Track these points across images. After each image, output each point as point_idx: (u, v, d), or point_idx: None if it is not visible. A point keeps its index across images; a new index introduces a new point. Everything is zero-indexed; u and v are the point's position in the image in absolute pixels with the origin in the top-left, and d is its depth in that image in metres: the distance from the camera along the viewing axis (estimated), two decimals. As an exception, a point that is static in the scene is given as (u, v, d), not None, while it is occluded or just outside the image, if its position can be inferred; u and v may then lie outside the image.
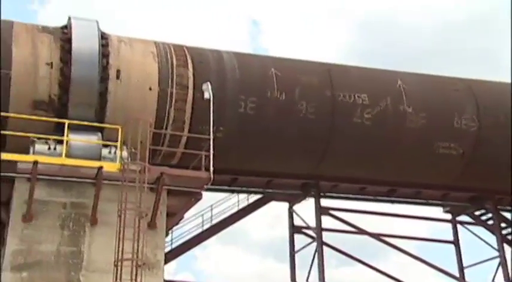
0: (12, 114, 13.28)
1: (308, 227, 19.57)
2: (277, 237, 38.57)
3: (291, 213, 20.05)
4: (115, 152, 13.17)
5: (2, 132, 13.01)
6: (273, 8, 55.15)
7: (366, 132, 16.74)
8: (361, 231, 19.65)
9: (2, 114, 13.13)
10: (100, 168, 12.54)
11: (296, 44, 51.30)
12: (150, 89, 14.91)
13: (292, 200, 19.73)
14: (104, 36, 14.83)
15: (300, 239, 19.92)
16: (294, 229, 19.98)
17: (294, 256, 19.80)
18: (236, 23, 56.02)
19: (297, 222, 19.95)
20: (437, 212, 21.40)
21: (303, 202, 19.51)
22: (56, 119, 13.55)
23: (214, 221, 19.13)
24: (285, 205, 20.19)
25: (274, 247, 41.65)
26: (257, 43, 58.86)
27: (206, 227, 19.02)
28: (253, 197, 19.47)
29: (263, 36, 64.21)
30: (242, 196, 19.52)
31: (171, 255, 17.25)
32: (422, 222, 22.35)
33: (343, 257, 19.58)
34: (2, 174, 12.12)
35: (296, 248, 19.90)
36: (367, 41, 51.02)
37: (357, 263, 19.74)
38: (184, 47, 16.10)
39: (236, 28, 54.94)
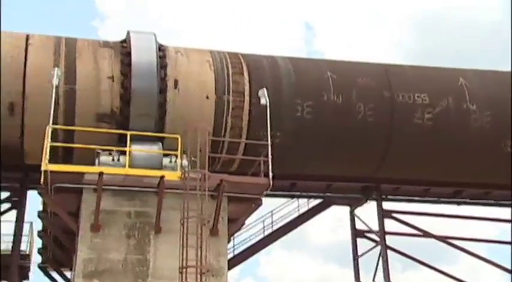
0: (78, 128, 13.82)
1: (371, 231, 19.21)
2: (339, 242, 38.16)
3: (352, 217, 19.74)
4: (175, 161, 13.41)
5: (70, 145, 13.56)
6: (326, 11, 54.88)
7: (427, 133, 16.28)
8: (426, 234, 19.10)
9: (69, 128, 13.71)
10: (162, 177, 12.80)
11: (351, 46, 50.76)
12: (207, 97, 15.12)
13: (353, 203, 19.44)
14: (161, 48, 15.18)
15: (362, 243, 19.58)
16: (356, 233, 19.65)
17: (357, 260, 19.47)
18: (289, 27, 56.03)
19: (359, 226, 19.63)
20: (507, 212, 20.45)
21: (365, 205, 19.17)
22: (118, 131, 13.97)
23: (276, 227, 19.14)
24: (346, 209, 19.93)
25: (337, 251, 41.17)
26: (312, 47, 58.67)
27: (267, 232, 19.03)
28: (313, 202, 19.33)
29: (317, 40, 63.92)
30: (302, 201, 19.44)
31: (234, 262, 17.37)
32: (492, 223, 21.41)
33: (409, 260, 19.08)
34: (70, 185, 12.62)
35: (359, 252, 19.56)
36: (420, 40, 49.83)
37: (424, 266, 19.18)
38: (240, 54, 16.23)
39: (290, 33, 54.94)
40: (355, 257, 19.52)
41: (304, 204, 19.39)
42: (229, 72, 15.54)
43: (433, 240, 19.34)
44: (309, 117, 15.74)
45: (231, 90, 15.31)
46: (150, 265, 12.61)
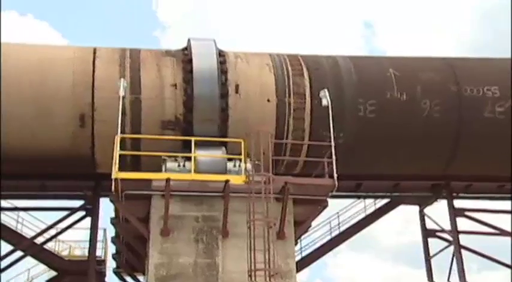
0: (145, 136, 14.21)
1: (443, 230, 18.59)
2: (409, 242, 37.17)
3: (422, 216, 19.18)
4: (239, 165, 13.51)
5: (137, 153, 13.97)
6: (385, 8, 53.79)
7: (499, 127, 15.58)
8: (503, 232, 18.24)
9: (137, 136, 14.13)
10: (227, 181, 12.93)
11: (413, 42, 49.47)
12: (269, 100, 15.16)
13: (423, 202, 18.89)
14: (221, 54, 15.38)
15: (434, 243, 18.99)
16: (427, 233, 19.08)
17: (429, 261, 18.88)
18: (348, 27, 55.35)
19: (430, 225, 19.04)
20: None
21: (435, 204, 18.58)
22: (183, 137, 14.24)
23: (342, 228, 18.90)
24: (414, 208, 19.39)
25: (407, 252, 40.17)
26: (372, 45, 57.71)
27: (334, 234, 18.83)
28: (381, 202, 18.94)
29: (377, 38, 62.79)
30: (369, 201, 19.10)
31: (302, 264, 17.30)
32: None
33: (484, 260, 18.31)
34: (139, 192, 12.98)
35: (431, 253, 18.96)
36: (486, 31, 47.82)
37: (502, 266, 18.33)
38: (299, 55, 16.18)
39: (349, 32, 54.28)
40: (427, 257, 18.94)
41: (371, 205, 19.05)
42: (289, 74, 15.52)
43: (509, 238, 18.44)
44: (372, 116, 15.45)
45: (291, 92, 15.28)
46: (219, 269, 12.75)
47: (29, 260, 18.65)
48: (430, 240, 19.06)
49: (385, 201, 18.86)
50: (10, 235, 17.72)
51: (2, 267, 17.11)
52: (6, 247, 17.58)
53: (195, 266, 12.72)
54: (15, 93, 14.09)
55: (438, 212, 18.75)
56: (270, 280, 11.63)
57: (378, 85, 15.72)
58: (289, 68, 15.62)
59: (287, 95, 15.23)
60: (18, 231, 18.34)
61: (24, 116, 14.12)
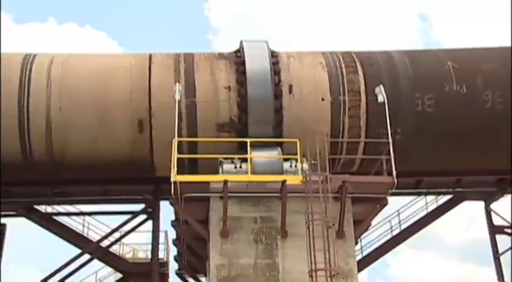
0: (201, 139, 14.41)
1: (511, 226, 17.84)
2: (475, 239, 35.88)
3: (488, 212, 18.46)
4: (295, 165, 13.45)
5: (195, 156, 14.18)
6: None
7: None
8: None
9: (193, 139, 14.35)
10: (284, 182, 12.91)
11: (472, 34, 47.75)
12: (323, 99, 15.03)
13: (488, 198, 18.19)
14: (273, 54, 15.39)
15: (503, 240, 18.21)
16: (495, 229, 18.34)
17: (499, 259, 18.12)
18: (403, 21, 54.10)
19: (497, 221, 18.30)
20: None
21: (501, 199, 17.85)
22: (239, 139, 14.34)
23: (403, 226, 18.45)
24: (479, 204, 18.70)
25: (472, 250, 38.78)
26: (428, 38, 56.08)
27: (395, 232, 18.42)
28: (443, 198, 18.37)
29: (434, 31, 61.00)
30: (430, 198, 18.56)
31: (362, 264, 17.01)
32: None
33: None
34: (197, 194, 13.17)
35: (500, 250, 18.21)
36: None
37: None
38: (352, 52, 15.95)
39: (403, 26, 53.04)
40: (496, 255, 18.20)
41: (432, 201, 18.50)
42: (343, 71, 15.33)
43: None
44: (430, 110, 15.02)
45: (346, 90, 15.09)
46: (279, 269, 12.75)
47: (96, 263, 19.31)
48: (498, 236, 18.31)
49: (447, 197, 18.26)
50: (77, 239, 18.43)
51: (72, 270, 17.79)
52: (75, 250, 18.28)
53: (255, 266, 12.78)
54: (77, 102, 14.62)
55: (506, 207, 17.97)
56: (331, 280, 11.51)
57: (435, 78, 15.27)
58: (343, 66, 15.43)
59: (341, 93, 15.05)
60: (85, 235, 19.04)
61: (86, 124, 14.63)
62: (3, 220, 19.90)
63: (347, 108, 14.99)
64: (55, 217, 18.77)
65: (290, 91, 14.97)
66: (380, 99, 14.15)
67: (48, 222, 18.51)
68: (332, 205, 12.37)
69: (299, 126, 14.21)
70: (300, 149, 13.27)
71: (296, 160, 13.39)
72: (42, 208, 18.65)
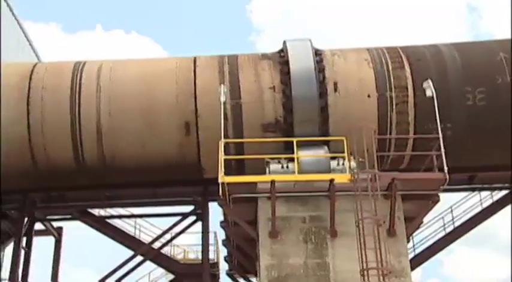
0: (247, 140, 14.46)
1: None
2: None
3: (548, 207, 17.73)
4: (343, 163, 13.30)
5: (241, 157, 14.23)
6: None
7: None
8: None
9: (239, 140, 14.41)
10: (331, 180, 12.79)
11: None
12: (369, 96, 14.81)
13: (546, 192, 17.46)
14: (317, 53, 15.28)
15: None
16: (556, 225, 17.59)
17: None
18: (450, 13, 52.71)
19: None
20: None
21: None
22: (285, 139, 14.30)
23: (457, 223, 17.96)
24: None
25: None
26: (478, 30, 54.48)
27: (449, 230, 17.95)
28: (498, 194, 17.77)
29: (484, 22, 59.11)
30: (485, 194, 17.99)
31: (415, 262, 16.63)
32: None
33: None
34: (245, 195, 13.21)
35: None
36: None
37: None
38: (398, 47, 15.65)
39: (451, 18, 51.67)
40: (556, 252, 17.48)
41: (487, 197, 17.91)
42: (389, 67, 15.06)
43: None
44: (482, 103, 14.55)
45: (392, 86, 14.81)
46: (330, 269, 12.63)
47: (149, 264, 19.72)
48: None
49: (503, 192, 17.65)
50: (130, 241, 18.87)
51: (125, 271, 18.21)
52: (128, 252, 18.71)
53: (305, 266, 12.71)
54: (125, 107, 14.95)
55: None
56: (383, 279, 11.32)
57: (486, 71, 14.79)
58: (389, 61, 15.16)
59: (388, 89, 14.79)
60: (137, 237, 19.46)
61: (134, 128, 14.94)
62: (60, 223, 20.62)
63: (394, 104, 14.71)
64: (108, 220, 19.27)
65: (335, 89, 14.82)
66: (428, 94, 13.82)
67: (102, 225, 19.03)
68: (382, 203, 12.17)
69: (345, 124, 14.05)
70: (347, 146, 13.11)
71: (343, 158, 13.24)
72: (95, 211, 19.18)
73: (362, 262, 11.55)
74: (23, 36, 21.77)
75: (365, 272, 11.47)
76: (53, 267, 19.91)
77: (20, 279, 17.96)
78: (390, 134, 14.73)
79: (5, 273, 17.76)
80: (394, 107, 14.70)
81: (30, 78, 15.18)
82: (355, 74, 15.04)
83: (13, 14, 20.63)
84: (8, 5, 20.12)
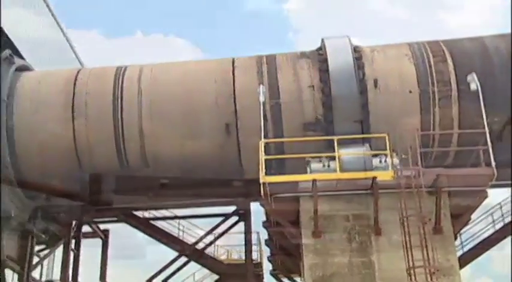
0: (287, 139, 14.42)
1: None
2: None
3: None
4: (385, 160, 13.09)
5: (282, 156, 14.20)
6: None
7: None
8: None
9: (279, 140, 14.39)
10: (374, 178, 12.62)
11: None
12: (410, 91, 14.54)
13: None
14: (356, 49, 15.11)
15: None
16: None
17: None
18: (492, 4, 51.23)
19: None
20: None
21: None
22: (325, 137, 14.19)
23: (507, 220, 17.43)
24: None
25: None
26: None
27: (498, 226, 17.44)
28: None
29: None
30: (535, 189, 17.38)
31: (464, 260, 16.26)
32: None
33: None
34: (287, 194, 13.18)
35: None
36: None
37: None
38: (440, 41, 15.30)
39: (493, 10, 50.20)
40: None
41: (537, 193, 17.32)
42: (431, 62, 14.74)
43: None
44: (529, 95, 14.05)
45: (435, 81, 14.49)
46: (375, 267, 12.46)
47: (194, 265, 19.95)
48: None
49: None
50: (174, 242, 19.13)
51: (171, 272, 18.50)
52: (172, 253, 18.99)
53: (350, 265, 12.57)
54: (166, 110, 15.16)
55: None
56: (431, 278, 11.08)
57: (533, 62, 14.27)
58: (431, 56, 14.84)
59: (430, 84, 14.47)
60: (180, 238, 19.72)
61: (175, 131, 15.12)
62: (107, 226, 21.11)
63: (437, 99, 14.39)
64: (152, 221, 19.60)
65: (375, 85, 14.61)
66: (473, 87, 13.46)
67: (146, 227, 19.35)
68: (427, 200, 11.91)
69: (387, 120, 13.85)
70: (389, 143, 12.90)
71: (386, 155, 13.03)
72: (139, 213, 19.53)
73: (408, 260, 11.35)
74: (67, 43, 22.40)
75: (411, 271, 11.26)
76: (101, 268, 20.43)
77: (70, 279, 18.48)
78: (433, 129, 14.41)
79: (56, 274, 18.32)
80: (437, 102, 14.39)
81: (75, 84, 15.60)
82: (396, 69, 14.80)
83: (57, 22, 21.24)
84: (52, 13, 20.72)
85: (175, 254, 18.94)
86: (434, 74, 14.55)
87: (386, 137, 12.92)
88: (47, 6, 20.18)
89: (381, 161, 13.23)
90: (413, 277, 11.21)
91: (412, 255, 11.31)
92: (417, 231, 11.39)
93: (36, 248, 18.43)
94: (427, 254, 11.14)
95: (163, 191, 17.51)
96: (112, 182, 16.12)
